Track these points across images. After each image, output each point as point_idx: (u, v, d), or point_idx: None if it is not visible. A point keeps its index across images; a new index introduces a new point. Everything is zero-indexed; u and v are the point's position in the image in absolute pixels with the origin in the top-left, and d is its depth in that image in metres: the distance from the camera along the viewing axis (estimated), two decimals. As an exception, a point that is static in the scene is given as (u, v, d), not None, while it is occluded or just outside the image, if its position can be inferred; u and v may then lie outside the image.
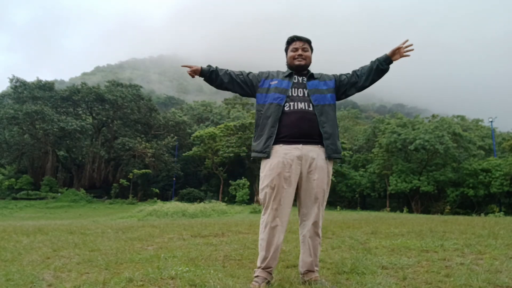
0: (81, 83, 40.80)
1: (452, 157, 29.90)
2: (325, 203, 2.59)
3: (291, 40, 2.72)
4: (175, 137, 40.73)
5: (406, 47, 2.58)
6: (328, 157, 2.52)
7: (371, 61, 2.66)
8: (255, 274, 2.45)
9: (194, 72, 2.67)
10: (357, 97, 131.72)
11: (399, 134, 30.51)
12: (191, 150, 38.33)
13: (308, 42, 2.72)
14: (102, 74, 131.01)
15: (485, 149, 34.62)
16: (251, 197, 33.10)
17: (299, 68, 2.68)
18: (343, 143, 35.15)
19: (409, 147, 29.46)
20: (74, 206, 29.93)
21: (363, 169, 35.92)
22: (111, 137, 40.65)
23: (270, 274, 2.46)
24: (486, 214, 20.23)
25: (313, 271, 2.49)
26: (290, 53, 2.70)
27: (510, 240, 4.36)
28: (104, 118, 39.95)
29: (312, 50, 2.76)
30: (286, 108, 2.52)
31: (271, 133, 2.48)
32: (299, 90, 2.60)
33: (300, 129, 2.48)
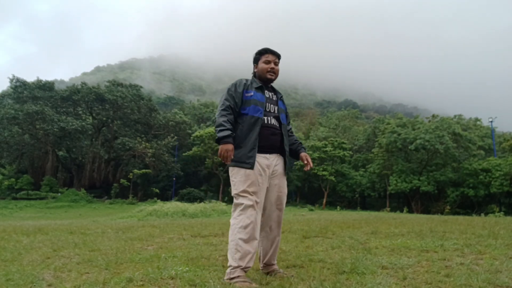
0: (81, 83, 40.80)
1: (452, 157, 29.91)
2: (284, 206, 2.76)
3: (264, 51, 2.76)
4: (175, 137, 40.74)
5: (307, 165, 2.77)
6: (286, 173, 2.75)
7: (296, 144, 2.89)
8: (237, 274, 2.38)
9: (231, 151, 2.49)
10: (357, 97, 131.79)
11: (399, 134, 30.52)
12: (191, 150, 38.34)
13: (279, 57, 2.79)
14: (102, 74, 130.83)
15: (485, 149, 34.61)
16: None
17: (268, 82, 2.78)
18: (343, 143, 35.25)
19: (409, 147, 29.46)
20: (74, 206, 29.93)
21: (363, 169, 35.95)
22: (111, 137, 40.65)
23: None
24: (486, 214, 20.23)
25: (274, 264, 2.74)
26: (263, 65, 2.74)
27: (510, 240, 4.36)
28: (104, 118, 39.96)
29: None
30: (264, 122, 2.62)
31: (254, 145, 2.54)
32: (271, 106, 2.74)
33: (271, 143, 2.64)
